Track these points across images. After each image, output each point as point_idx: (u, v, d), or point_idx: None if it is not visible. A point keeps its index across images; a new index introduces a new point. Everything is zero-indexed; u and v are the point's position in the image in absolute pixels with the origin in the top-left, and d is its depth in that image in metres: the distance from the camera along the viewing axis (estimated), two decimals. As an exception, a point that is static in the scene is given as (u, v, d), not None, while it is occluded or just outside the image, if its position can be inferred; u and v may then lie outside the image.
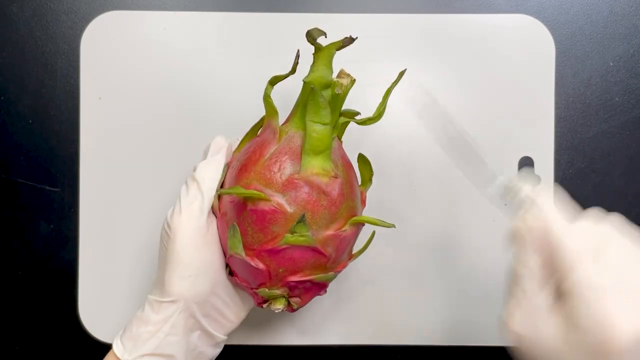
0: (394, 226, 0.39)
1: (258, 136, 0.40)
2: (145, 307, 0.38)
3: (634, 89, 0.49)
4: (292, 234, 0.36)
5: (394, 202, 0.48)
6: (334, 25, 0.48)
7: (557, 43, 0.49)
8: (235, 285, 0.40)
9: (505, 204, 0.36)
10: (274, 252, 0.36)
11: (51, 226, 0.48)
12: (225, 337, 0.41)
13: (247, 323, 0.46)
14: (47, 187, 0.48)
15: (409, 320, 0.48)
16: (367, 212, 0.48)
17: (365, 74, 0.48)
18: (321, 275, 0.37)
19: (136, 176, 0.48)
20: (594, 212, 0.34)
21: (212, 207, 0.39)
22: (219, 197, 0.39)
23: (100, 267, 0.48)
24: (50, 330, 0.48)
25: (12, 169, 0.48)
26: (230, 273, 0.39)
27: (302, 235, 0.36)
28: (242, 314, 0.41)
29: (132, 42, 0.48)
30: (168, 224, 0.38)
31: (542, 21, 0.49)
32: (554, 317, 0.32)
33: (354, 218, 0.38)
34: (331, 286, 0.48)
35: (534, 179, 0.35)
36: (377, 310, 0.48)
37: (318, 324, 0.48)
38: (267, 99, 0.39)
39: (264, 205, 0.36)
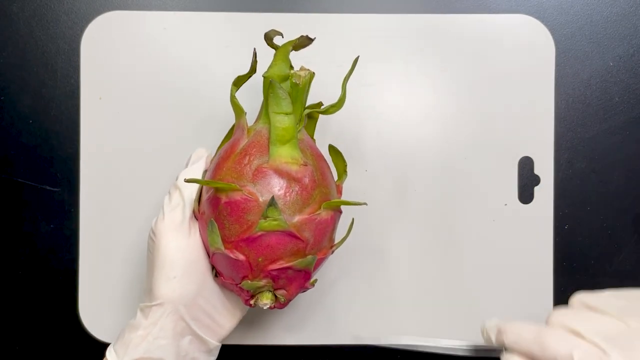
0: (365, 204, 0.40)
1: (231, 138, 0.41)
2: (137, 314, 0.39)
3: (634, 89, 0.49)
4: (265, 219, 0.36)
5: (393, 202, 0.48)
6: (334, 25, 0.48)
7: (557, 43, 0.49)
8: (222, 285, 0.40)
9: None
10: (251, 241, 0.37)
11: (51, 226, 0.48)
12: (218, 344, 0.41)
13: (241, 322, 0.46)
14: (47, 187, 0.48)
15: (408, 320, 0.48)
16: (367, 212, 0.48)
17: (365, 73, 0.48)
18: (300, 260, 0.37)
19: (136, 176, 0.48)
20: (556, 311, 0.35)
21: (194, 211, 0.40)
22: (199, 200, 0.40)
23: (100, 267, 0.48)
24: (50, 330, 0.48)
25: (12, 169, 0.48)
26: (217, 275, 0.40)
27: (274, 220, 0.36)
28: (234, 320, 0.41)
29: (132, 42, 0.48)
30: (153, 231, 0.40)
31: (542, 21, 0.49)
32: None
33: (327, 202, 0.38)
34: (329, 285, 0.48)
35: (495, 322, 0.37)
36: (377, 310, 0.48)
37: (316, 325, 0.48)
38: (232, 99, 0.41)
39: (236, 196, 0.37)
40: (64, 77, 0.48)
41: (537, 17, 0.49)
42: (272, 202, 0.36)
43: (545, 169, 0.49)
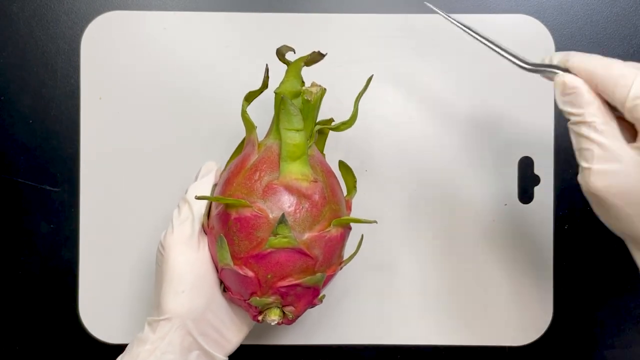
0: (375, 222, 0.40)
1: (241, 152, 0.41)
2: (145, 328, 0.39)
3: (634, 89, 0.49)
4: (275, 236, 0.36)
5: (392, 201, 0.48)
6: (334, 25, 0.48)
7: (557, 43, 0.49)
8: (230, 300, 0.40)
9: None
10: (260, 258, 0.37)
11: (51, 226, 0.48)
12: (225, 358, 0.41)
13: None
14: (47, 187, 0.48)
15: (409, 320, 0.48)
16: (366, 212, 0.48)
17: (365, 74, 0.48)
18: (309, 277, 0.37)
19: (136, 176, 0.48)
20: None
21: (203, 226, 0.40)
22: (208, 214, 0.40)
23: (100, 267, 0.48)
24: (50, 330, 0.48)
25: (13, 169, 0.48)
26: (225, 290, 0.40)
27: (284, 237, 0.36)
28: (241, 334, 0.41)
29: (132, 42, 0.48)
30: (162, 245, 0.40)
31: (542, 21, 0.49)
32: (629, 152, 0.32)
33: (337, 219, 0.38)
34: (329, 283, 0.48)
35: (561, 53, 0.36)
36: (377, 310, 0.48)
37: (316, 324, 0.48)
38: (244, 114, 0.41)
39: (246, 212, 0.37)
40: (64, 77, 0.48)
41: (537, 17, 0.49)
42: (282, 220, 0.36)
43: (545, 169, 0.49)
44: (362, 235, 0.42)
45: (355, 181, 0.43)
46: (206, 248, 0.40)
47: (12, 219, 0.48)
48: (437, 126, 0.49)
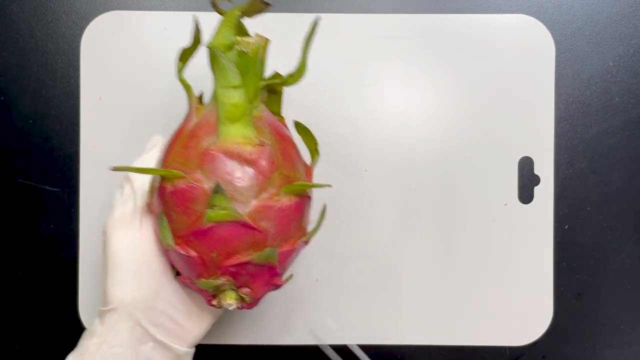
0: (329, 186, 0.35)
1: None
2: (95, 320, 0.36)
3: (634, 89, 0.49)
4: (212, 208, 0.32)
5: (392, 202, 0.48)
6: (334, 25, 0.48)
7: (557, 43, 0.49)
8: (183, 285, 0.36)
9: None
10: (200, 234, 0.32)
11: (51, 226, 0.48)
12: (188, 349, 0.37)
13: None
14: (47, 187, 0.48)
15: (408, 320, 0.48)
16: (366, 213, 0.48)
17: (365, 74, 0.48)
18: (258, 254, 0.33)
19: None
20: None
21: (147, 205, 0.36)
22: (152, 191, 0.36)
23: (100, 267, 0.48)
24: (50, 330, 0.48)
25: (12, 169, 0.48)
26: (178, 274, 0.36)
27: (222, 208, 0.32)
28: (203, 324, 0.37)
29: (132, 42, 0.48)
30: (104, 230, 0.36)
31: (542, 21, 0.49)
32: None
33: (287, 185, 0.33)
34: (330, 283, 0.48)
35: None
36: (377, 310, 0.48)
37: (315, 324, 0.48)
38: (179, 76, 0.36)
39: (181, 184, 0.33)
40: (64, 77, 0.48)
41: (537, 17, 0.49)
42: (217, 189, 0.31)
43: (545, 169, 0.49)
44: (325, 205, 0.38)
45: (316, 143, 0.38)
46: (150, 229, 0.35)
47: (12, 218, 0.48)
48: (437, 126, 0.49)
